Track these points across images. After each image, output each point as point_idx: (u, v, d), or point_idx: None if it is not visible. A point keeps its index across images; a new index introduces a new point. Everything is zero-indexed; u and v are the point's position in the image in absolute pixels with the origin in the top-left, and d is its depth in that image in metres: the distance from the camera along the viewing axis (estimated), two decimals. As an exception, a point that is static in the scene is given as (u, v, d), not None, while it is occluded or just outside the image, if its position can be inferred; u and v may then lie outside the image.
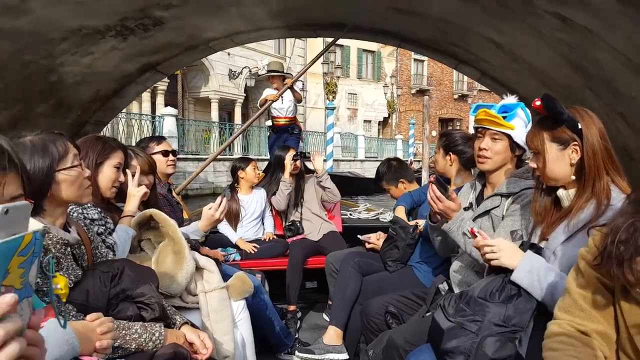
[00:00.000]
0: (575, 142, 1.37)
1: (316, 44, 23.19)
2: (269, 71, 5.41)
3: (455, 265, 1.91)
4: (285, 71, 5.60)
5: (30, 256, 0.57)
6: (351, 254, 2.81)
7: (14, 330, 0.53)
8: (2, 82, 3.23)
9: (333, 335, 2.63)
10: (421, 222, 2.46)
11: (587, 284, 1.08)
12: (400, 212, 2.81)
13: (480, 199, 1.92)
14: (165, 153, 2.77)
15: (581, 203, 1.35)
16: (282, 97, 5.09)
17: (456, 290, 1.80)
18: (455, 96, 34.87)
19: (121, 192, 1.93)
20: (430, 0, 3.08)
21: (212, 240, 3.34)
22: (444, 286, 1.89)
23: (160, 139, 2.87)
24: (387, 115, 32.03)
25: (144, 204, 2.03)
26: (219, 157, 11.85)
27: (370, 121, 31.26)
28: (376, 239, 2.79)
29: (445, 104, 34.57)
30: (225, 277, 2.08)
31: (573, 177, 1.40)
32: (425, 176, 13.94)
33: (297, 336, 2.97)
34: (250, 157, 4.10)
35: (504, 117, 1.75)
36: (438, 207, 1.76)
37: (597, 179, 1.34)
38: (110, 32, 3.35)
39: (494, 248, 1.41)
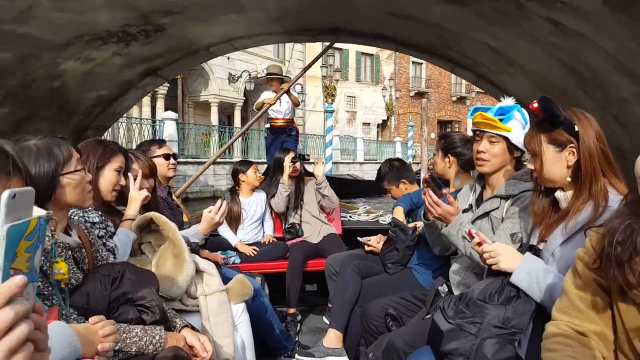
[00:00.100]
0: (572, 145, 1.38)
1: (315, 48, 23.20)
2: (267, 74, 5.47)
3: (455, 267, 1.91)
4: (284, 74, 5.65)
5: (35, 241, 0.57)
6: (351, 256, 2.82)
7: (22, 312, 0.54)
8: (7, 87, 3.24)
9: (333, 338, 2.63)
10: (420, 224, 2.46)
11: (584, 285, 1.08)
12: (399, 213, 2.82)
13: (480, 200, 1.92)
14: (166, 156, 2.78)
15: (578, 205, 1.36)
16: (279, 99, 5.15)
17: (456, 292, 1.80)
18: (454, 98, 34.90)
19: (121, 196, 1.94)
20: (426, 6, 3.10)
21: (212, 243, 3.35)
22: (443, 288, 1.89)
23: (161, 142, 2.88)
24: (385, 118, 32.05)
25: (145, 207, 2.04)
26: (218, 160, 11.89)
27: (369, 124, 31.30)
28: (376, 242, 2.79)
29: (444, 106, 34.59)
30: (225, 280, 2.08)
31: (569, 179, 1.41)
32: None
33: (297, 339, 2.97)
34: (250, 160, 4.11)
35: (501, 120, 1.76)
36: (437, 212, 1.76)
37: (593, 181, 1.35)
38: (113, 38, 3.37)
39: (491, 253, 1.41)
